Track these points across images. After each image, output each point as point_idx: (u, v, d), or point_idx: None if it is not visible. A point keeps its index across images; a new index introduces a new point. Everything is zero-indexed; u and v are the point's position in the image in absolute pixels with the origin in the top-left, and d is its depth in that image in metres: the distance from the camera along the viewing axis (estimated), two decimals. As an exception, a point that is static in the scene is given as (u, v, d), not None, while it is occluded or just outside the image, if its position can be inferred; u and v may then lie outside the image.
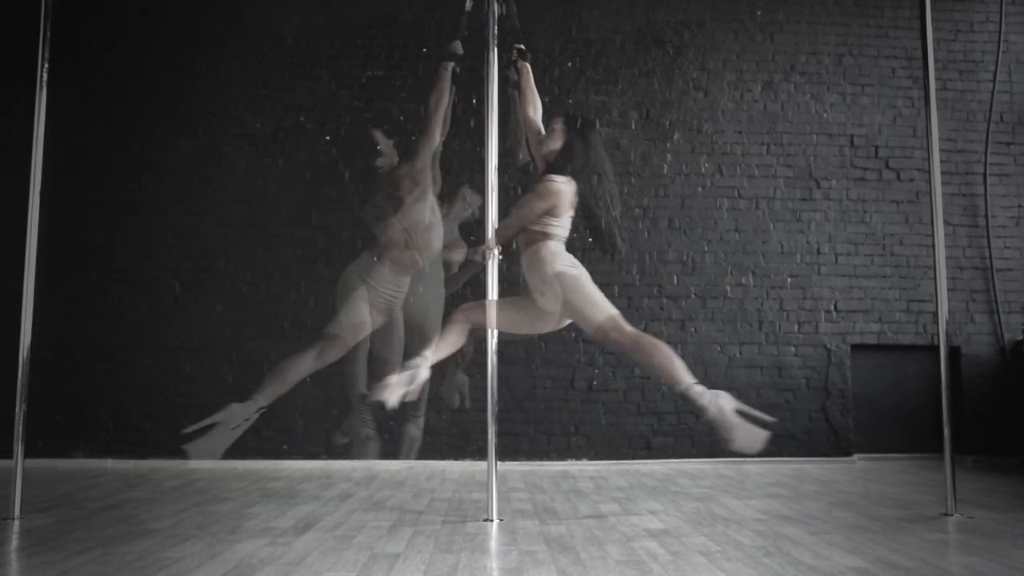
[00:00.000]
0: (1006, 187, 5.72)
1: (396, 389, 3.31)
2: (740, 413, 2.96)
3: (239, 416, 3.52)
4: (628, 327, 3.35)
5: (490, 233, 3.61)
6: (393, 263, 3.81)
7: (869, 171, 5.67)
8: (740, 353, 5.45)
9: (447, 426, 5.26)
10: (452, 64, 3.82)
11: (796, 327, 5.51)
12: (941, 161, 4.32)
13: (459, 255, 4.07)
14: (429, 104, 3.83)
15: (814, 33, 5.75)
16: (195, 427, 3.49)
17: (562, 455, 5.30)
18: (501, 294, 3.59)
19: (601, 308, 3.37)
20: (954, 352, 5.52)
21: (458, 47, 3.81)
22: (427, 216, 3.82)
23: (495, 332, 3.58)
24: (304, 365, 3.67)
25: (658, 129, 5.61)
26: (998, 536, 3.10)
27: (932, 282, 5.52)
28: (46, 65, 3.76)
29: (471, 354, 3.89)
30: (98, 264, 5.35)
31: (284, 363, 3.65)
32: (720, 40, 5.72)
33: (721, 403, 3.00)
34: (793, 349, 5.49)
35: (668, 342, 5.23)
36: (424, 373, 3.42)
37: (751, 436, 2.85)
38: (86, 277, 5.33)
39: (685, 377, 3.15)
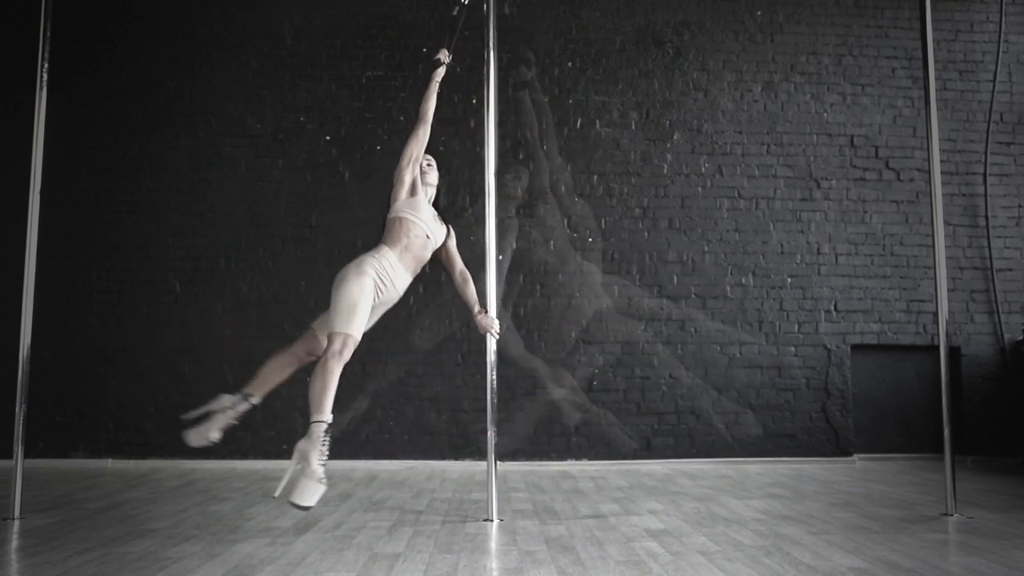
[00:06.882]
0: (1006, 187, 5.72)
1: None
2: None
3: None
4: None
5: (491, 233, 3.61)
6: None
7: (869, 171, 5.67)
8: (740, 353, 5.45)
9: (447, 426, 5.26)
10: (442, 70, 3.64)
11: (796, 327, 5.51)
12: (941, 161, 4.33)
13: None
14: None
15: (814, 33, 5.75)
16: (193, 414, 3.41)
17: (562, 455, 5.30)
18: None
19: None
20: (954, 352, 5.52)
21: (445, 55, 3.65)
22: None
23: (495, 332, 3.58)
24: None
25: (658, 129, 5.61)
26: (998, 536, 3.10)
27: (932, 282, 5.52)
28: (46, 65, 3.77)
29: None
30: (98, 264, 5.35)
31: None
32: (720, 41, 5.72)
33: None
34: (793, 349, 5.49)
35: (668, 342, 5.36)
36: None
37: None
38: (86, 277, 5.33)
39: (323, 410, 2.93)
